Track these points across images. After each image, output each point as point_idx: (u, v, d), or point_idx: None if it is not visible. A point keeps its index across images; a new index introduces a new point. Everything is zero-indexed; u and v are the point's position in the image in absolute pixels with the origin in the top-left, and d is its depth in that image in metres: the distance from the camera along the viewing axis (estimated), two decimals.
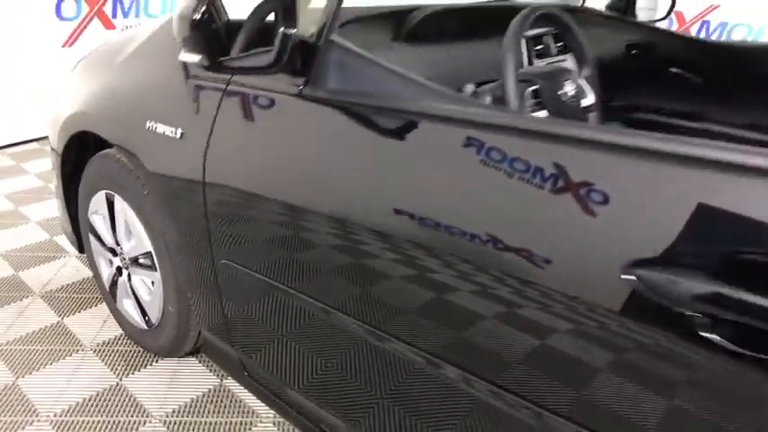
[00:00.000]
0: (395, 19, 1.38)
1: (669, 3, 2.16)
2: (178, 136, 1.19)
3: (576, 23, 1.95)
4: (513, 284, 0.73)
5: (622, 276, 0.62)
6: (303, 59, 0.95)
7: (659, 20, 2.20)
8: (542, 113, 1.10)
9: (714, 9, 4.31)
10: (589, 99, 1.24)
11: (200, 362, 1.65)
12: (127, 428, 1.42)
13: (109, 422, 1.43)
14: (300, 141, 1.01)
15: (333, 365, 1.10)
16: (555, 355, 0.72)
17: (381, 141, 0.92)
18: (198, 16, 0.81)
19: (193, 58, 0.87)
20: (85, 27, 3.46)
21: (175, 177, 1.23)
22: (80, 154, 1.64)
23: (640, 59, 1.98)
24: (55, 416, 1.45)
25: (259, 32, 1.04)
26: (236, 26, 1.07)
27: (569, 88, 1.13)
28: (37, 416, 1.44)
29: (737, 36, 4.26)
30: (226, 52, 0.94)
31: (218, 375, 1.59)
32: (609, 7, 2.15)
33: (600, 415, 0.69)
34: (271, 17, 0.97)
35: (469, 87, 1.12)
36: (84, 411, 1.46)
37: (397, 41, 1.35)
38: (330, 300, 1.01)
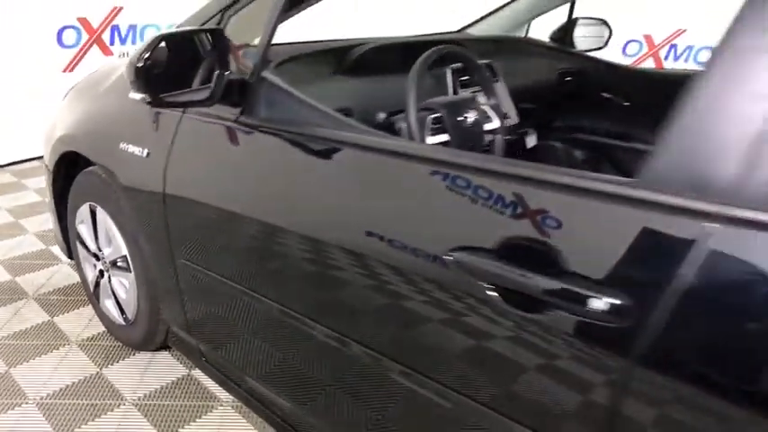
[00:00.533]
0: (338, 54, 1.61)
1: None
2: (145, 155, 1.41)
3: (518, 53, 2.18)
4: (393, 276, 0.94)
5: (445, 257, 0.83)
6: (239, 93, 1.18)
7: (598, 48, 2.43)
8: (444, 137, 1.32)
9: (681, 33, 4.55)
10: (493, 124, 1.45)
11: (171, 355, 1.85)
12: (104, 410, 1.62)
13: (89, 405, 1.64)
14: (238, 160, 1.23)
15: (281, 355, 1.30)
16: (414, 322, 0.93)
17: (297, 160, 1.14)
18: (141, 64, 1.03)
19: (139, 96, 1.09)
20: (85, 54, 3.73)
21: (143, 190, 1.45)
22: (69, 171, 1.87)
23: (574, 85, 2.20)
24: (41, 399, 1.65)
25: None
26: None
27: (470, 115, 1.35)
28: (25, 399, 1.65)
29: (703, 58, 4.48)
30: (174, 87, 1.17)
31: (186, 366, 1.80)
32: (551, 38, 2.38)
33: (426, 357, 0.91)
34: None
35: (381, 115, 1.35)
36: (67, 395, 1.67)
37: (338, 74, 1.57)
38: (271, 294, 1.21)
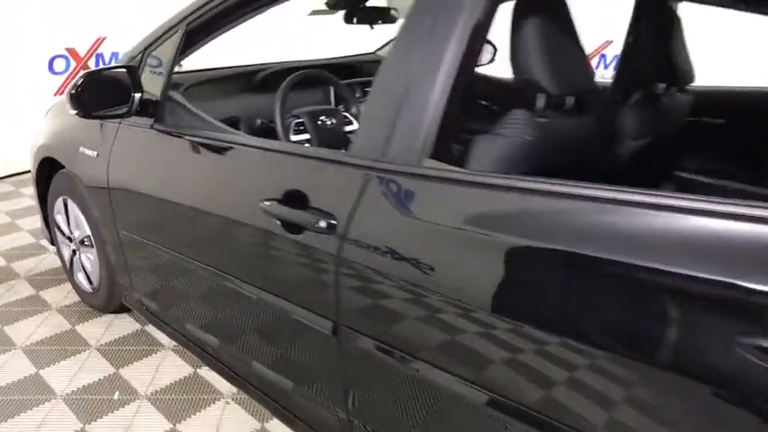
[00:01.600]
0: (245, 76, 2.12)
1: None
2: (95, 156, 1.92)
3: None
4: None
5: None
6: (152, 108, 1.68)
7: (487, 63, 2.92)
8: (306, 136, 1.81)
9: (610, 44, 5.04)
10: (353, 126, 1.96)
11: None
12: (72, 354, 2.12)
13: (57, 348, 2.14)
14: (153, 157, 1.74)
15: (203, 302, 1.77)
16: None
17: (191, 154, 1.63)
18: (73, 91, 1.54)
19: (74, 112, 1.60)
20: (73, 79, 4.28)
21: (95, 182, 1.95)
22: (48, 173, 2.37)
23: None
24: (26, 346, 2.15)
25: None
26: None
27: (330, 120, 1.84)
28: (13, 345, 2.15)
29: None
30: (112, 104, 1.67)
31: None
32: None
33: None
34: None
35: (258, 121, 1.84)
36: (45, 343, 2.17)
37: (245, 92, 2.08)
38: (188, 252, 1.68)
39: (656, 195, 0.81)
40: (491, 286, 0.94)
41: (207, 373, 2.01)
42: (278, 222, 1.26)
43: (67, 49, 4.19)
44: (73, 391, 1.93)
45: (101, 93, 1.61)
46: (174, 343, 2.15)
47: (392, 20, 2.19)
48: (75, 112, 1.58)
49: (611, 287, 0.83)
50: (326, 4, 1.99)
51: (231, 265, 1.51)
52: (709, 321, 0.73)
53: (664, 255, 0.77)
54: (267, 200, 1.28)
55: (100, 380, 1.99)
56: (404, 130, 1.09)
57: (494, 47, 2.96)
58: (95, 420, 1.79)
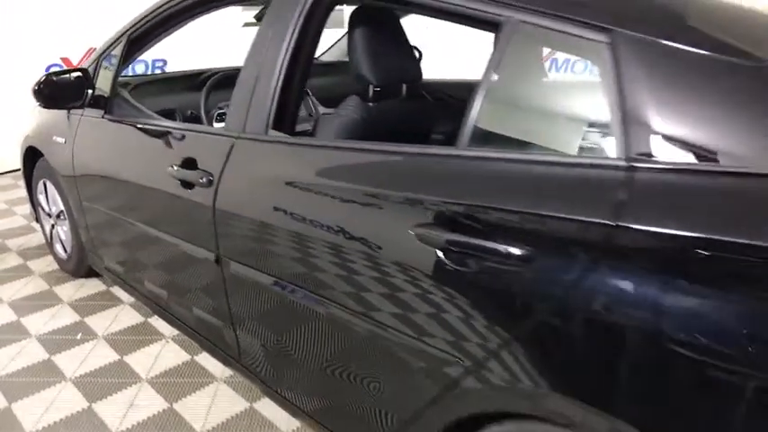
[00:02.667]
0: (188, 78, 2.56)
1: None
2: (63, 142, 2.37)
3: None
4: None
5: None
6: (104, 101, 2.12)
7: None
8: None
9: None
10: None
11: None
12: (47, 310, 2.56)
13: (37, 303, 2.58)
14: (104, 139, 2.17)
15: (148, 258, 2.18)
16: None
17: (132, 137, 2.05)
18: (36, 87, 1.98)
19: (37, 104, 2.04)
20: None
21: (63, 163, 2.40)
22: (33, 160, 2.83)
23: None
24: (12, 301, 2.60)
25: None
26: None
27: None
28: (1, 302, 2.60)
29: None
30: (73, 99, 2.11)
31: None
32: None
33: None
34: None
35: (188, 112, 2.28)
36: (28, 299, 2.62)
37: (186, 91, 2.52)
38: (135, 216, 2.11)
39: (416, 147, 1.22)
40: (313, 217, 1.35)
41: (156, 322, 2.45)
42: (178, 182, 1.68)
43: (62, 59, 4.68)
44: (45, 332, 2.37)
45: (60, 89, 2.06)
46: (132, 298, 2.59)
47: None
48: (38, 103, 2.03)
49: (395, 211, 1.19)
50: (255, 17, 2.42)
51: (154, 219, 1.94)
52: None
53: (410, 184, 1.18)
54: (172, 166, 1.71)
55: (68, 325, 2.43)
56: (256, 109, 1.52)
57: (419, 52, 3.39)
58: (59, 353, 2.23)
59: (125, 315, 2.52)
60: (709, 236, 0.79)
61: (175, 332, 2.37)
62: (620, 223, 0.87)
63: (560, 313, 0.92)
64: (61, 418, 1.88)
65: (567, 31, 1.01)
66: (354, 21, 1.61)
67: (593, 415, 0.89)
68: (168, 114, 2.21)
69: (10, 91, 4.44)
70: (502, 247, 0.98)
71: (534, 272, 0.95)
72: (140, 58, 5.02)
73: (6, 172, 4.64)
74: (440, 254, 1.06)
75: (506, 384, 1.00)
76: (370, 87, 1.61)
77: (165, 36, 2.09)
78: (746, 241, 0.77)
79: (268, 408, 1.90)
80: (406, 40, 1.74)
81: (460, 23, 1.32)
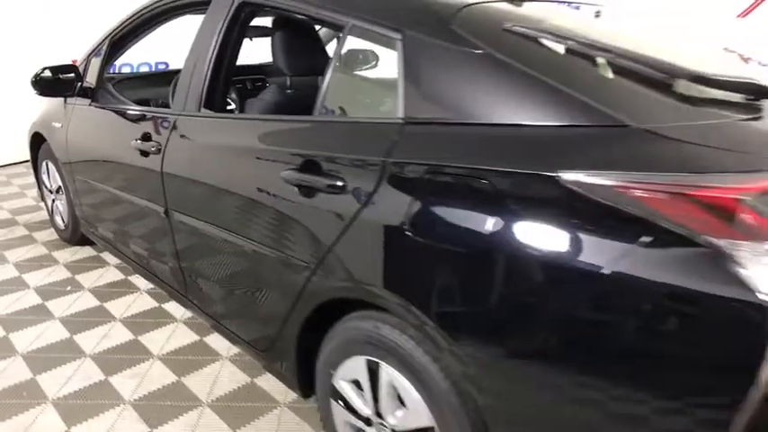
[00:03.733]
0: (167, 75, 3.03)
1: None
2: (60, 126, 2.84)
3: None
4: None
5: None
6: (92, 91, 2.59)
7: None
8: None
9: None
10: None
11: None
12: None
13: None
14: (91, 122, 2.64)
15: (125, 219, 2.64)
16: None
17: (113, 120, 2.52)
18: (33, 79, 2.45)
19: (35, 92, 2.51)
20: None
21: (60, 143, 2.88)
22: (39, 143, 3.32)
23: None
24: (13, 260, 3.08)
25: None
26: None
27: None
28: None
29: None
30: (65, 89, 2.59)
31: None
32: None
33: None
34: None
35: (160, 101, 2.75)
36: (27, 267, 3.10)
37: (165, 85, 2.97)
38: (110, 184, 2.57)
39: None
40: (226, 171, 1.78)
41: (135, 279, 2.90)
42: (138, 152, 2.13)
43: (72, 60, 5.21)
44: (41, 285, 2.85)
45: (53, 81, 2.54)
46: (117, 260, 3.05)
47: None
48: (35, 92, 2.51)
49: (275, 162, 1.61)
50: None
51: (123, 185, 2.40)
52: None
53: (284, 142, 1.62)
54: (135, 139, 2.16)
55: (60, 280, 2.90)
56: (192, 93, 1.96)
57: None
58: (51, 299, 2.70)
59: (109, 274, 2.98)
60: (449, 164, 1.20)
61: (149, 285, 2.82)
62: (394, 159, 1.29)
63: (367, 225, 1.34)
64: (46, 345, 2.34)
65: (379, 32, 1.43)
66: (274, 26, 2.05)
67: (396, 298, 1.29)
68: (144, 103, 2.67)
69: (26, 89, 4.98)
70: (331, 181, 1.40)
71: (349, 196, 1.37)
72: (144, 60, 5.66)
73: (22, 162, 5.19)
74: (295, 189, 1.49)
75: (345, 280, 1.41)
76: (287, 78, 2.04)
77: (139, 39, 2.56)
78: (474, 166, 1.17)
79: (266, 381, 2.12)
80: (318, 41, 2.18)
81: (322, 26, 1.74)
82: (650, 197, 0.95)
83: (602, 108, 1.08)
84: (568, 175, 1.02)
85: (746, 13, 4.31)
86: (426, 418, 1.31)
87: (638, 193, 0.96)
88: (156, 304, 2.67)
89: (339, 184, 1.38)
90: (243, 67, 3.20)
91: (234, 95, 2.94)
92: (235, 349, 2.30)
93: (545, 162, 1.06)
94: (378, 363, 1.39)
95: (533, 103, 1.17)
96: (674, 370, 0.97)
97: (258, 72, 3.32)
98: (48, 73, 2.52)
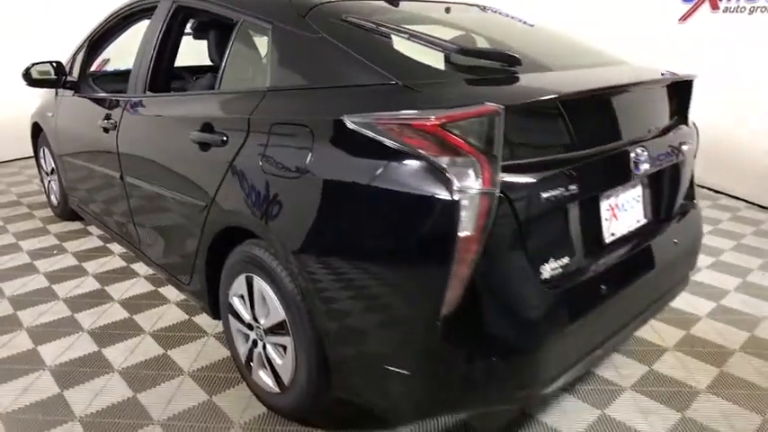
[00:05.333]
0: None
1: None
2: (51, 115, 3.35)
3: None
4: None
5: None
6: (75, 83, 3.09)
7: None
8: None
9: None
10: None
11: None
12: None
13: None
14: (73, 110, 3.13)
15: (102, 193, 3.12)
16: None
17: (89, 106, 3.00)
18: (24, 72, 2.95)
19: (26, 83, 3.01)
20: None
21: (52, 131, 3.38)
22: (38, 133, 3.84)
23: None
24: (18, 233, 3.59)
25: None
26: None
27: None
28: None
29: None
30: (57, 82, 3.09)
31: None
32: None
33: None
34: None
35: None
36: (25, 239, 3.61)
37: None
38: (84, 158, 3.04)
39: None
40: (156, 137, 2.25)
41: (112, 246, 3.37)
42: (102, 128, 2.61)
43: None
44: (32, 249, 3.35)
45: (40, 74, 3.04)
46: (99, 231, 3.53)
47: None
48: (25, 83, 3.01)
49: (188, 126, 2.10)
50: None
51: (92, 159, 2.89)
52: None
53: (194, 110, 2.07)
54: (101, 119, 2.63)
55: (49, 246, 3.41)
56: (140, 79, 2.42)
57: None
58: (38, 260, 3.18)
59: (90, 242, 3.47)
60: (284, 117, 1.62)
61: (122, 250, 3.29)
62: (254, 116, 1.72)
63: (238, 168, 1.76)
64: (30, 290, 2.83)
65: (259, 24, 1.87)
66: (206, 28, 2.50)
67: (258, 223, 1.70)
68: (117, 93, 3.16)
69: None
70: (219, 137, 1.83)
71: (229, 147, 1.80)
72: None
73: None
74: (197, 146, 1.92)
75: (226, 213, 1.84)
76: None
77: (114, 39, 3.06)
78: (299, 117, 1.58)
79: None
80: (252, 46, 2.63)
81: (225, 22, 2.15)
82: (392, 128, 1.35)
83: (383, 72, 1.50)
84: (348, 118, 1.43)
85: (686, 18, 4.63)
86: (282, 313, 1.72)
87: (385, 126, 1.36)
88: (125, 264, 3.14)
89: (224, 138, 1.82)
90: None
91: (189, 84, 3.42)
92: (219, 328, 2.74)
93: (339, 110, 1.47)
94: (252, 277, 1.81)
95: (342, 69, 1.59)
96: (411, 255, 1.36)
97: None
98: (36, 67, 3.03)
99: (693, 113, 2.10)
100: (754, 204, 4.30)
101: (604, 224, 1.65)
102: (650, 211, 1.86)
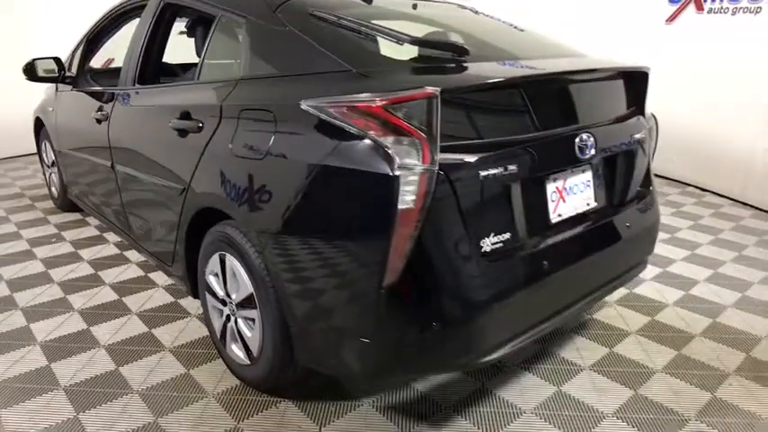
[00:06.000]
0: None
1: None
2: (52, 110, 3.51)
3: None
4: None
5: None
6: (72, 80, 3.24)
7: None
8: None
9: None
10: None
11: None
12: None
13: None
14: (71, 105, 3.28)
15: (96, 184, 3.27)
16: None
17: (85, 99, 3.14)
18: (25, 67, 3.10)
19: (25, 77, 3.17)
20: None
21: (51, 124, 3.54)
22: (41, 128, 4.00)
23: None
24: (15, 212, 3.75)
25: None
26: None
27: None
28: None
29: None
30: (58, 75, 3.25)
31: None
32: None
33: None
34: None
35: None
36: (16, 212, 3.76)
37: None
38: (79, 150, 3.20)
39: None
40: (143, 126, 2.38)
41: (108, 235, 3.52)
42: (96, 120, 2.75)
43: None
44: (32, 237, 3.51)
45: (40, 69, 3.19)
46: (96, 221, 3.68)
47: None
48: (25, 77, 3.17)
49: (168, 114, 2.23)
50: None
51: (86, 149, 3.04)
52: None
53: (175, 99, 2.21)
54: (94, 111, 2.77)
55: (48, 234, 3.56)
56: (130, 72, 2.56)
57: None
58: (37, 247, 3.33)
59: (87, 231, 3.62)
60: (250, 103, 1.74)
61: (117, 239, 3.43)
62: (226, 103, 1.84)
63: (210, 152, 1.89)
64: (27, 274, 2.97)
65: (235, 19, 2.00)
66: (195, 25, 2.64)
67: (229, 204, 1.83)
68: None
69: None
70: (195, 123, 1.96)
71: (204, 133, 1.92)
72: None
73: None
74: (176, 132, 2.05)
75: (201, 195, 1.96)
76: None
77: (109, 37, 3.20)
78: (263, 103, 1.70)
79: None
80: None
81: (205, 18, 2.27)
82: (341, 111, 1.47)
83: (340, 61, 1.61)
84: (304, 102, 1.55)
85: (673, 18, 4.71)
86: (250, 288, 1.83)
87: (335, 108, 1.48)
88: (119, 251, 3.28)
89: (200, 125, 1.94)
90: None
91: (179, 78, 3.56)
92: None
93: (297, 96, 1.59)
94: (225, 255, 1.93)
95: (305, 59, 1.71)
96: (358, 228, 1.47)
97: None
98: (36, 63, 3.19)
99: (685, 110, 2.18)
100: (738, 202, 4.37)
101: (551, 205, 1.75)
102: (602, 196, 1.96)
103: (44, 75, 3.20)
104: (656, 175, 5.15)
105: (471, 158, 1.48)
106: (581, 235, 1.83)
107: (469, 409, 1.94)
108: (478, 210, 1.51)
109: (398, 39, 1.67)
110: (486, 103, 1.59)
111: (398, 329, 1.50)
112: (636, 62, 2.10)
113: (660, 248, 3.37)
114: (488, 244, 1.53)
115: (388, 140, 1.40)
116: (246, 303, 1.87)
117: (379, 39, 1.73)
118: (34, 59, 3.17)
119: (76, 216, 3.90)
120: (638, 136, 2.06)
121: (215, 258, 2.00)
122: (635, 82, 2.13)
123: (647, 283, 2.91)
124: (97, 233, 3.58)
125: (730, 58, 4.26)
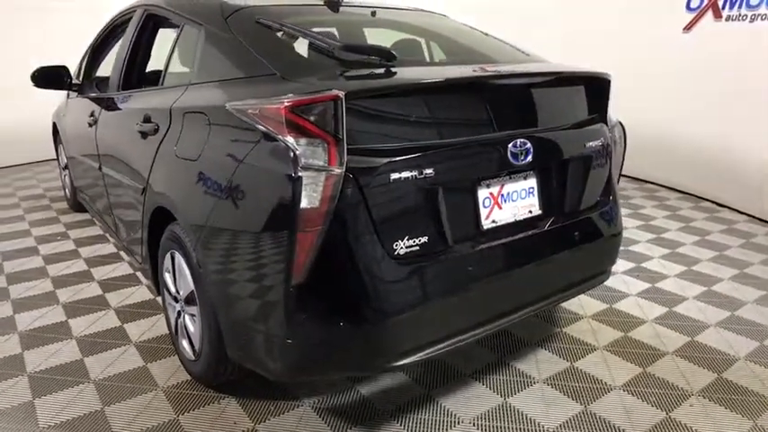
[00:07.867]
0: None
1: None
2: (63, 116, 3.72)
3: None
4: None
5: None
6: (78, 87, 3.43)
7: None
8: None
9: None
10: None
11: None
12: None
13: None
14: (77, 110, 3.46)
15: (97, 187, 3.44)
16: None
17: (87, 104, 3.30)
18: (33, 74, 3.31)
19: (33, 83, 3.37)
20: None
21: (63, 130, 3.75)
22: (56, 131, 4.24)
23: None
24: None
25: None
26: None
27: None
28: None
29: None
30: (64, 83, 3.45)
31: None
32: None
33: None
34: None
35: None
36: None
37: None
38: (79, 153, 3.37)
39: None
40: (122, 129, 2.49)
41: (111, 238, 3.68)
42: (88, 124, 2.90)
43: None
44: (41, 235, 3.71)
45: (47, 76, 3.39)
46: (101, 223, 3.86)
47: None
48: (33, 84, 3.37)
49: (136, 116, 2.34)
50: None
51: (83, 152, 3.19)
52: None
53: (143, 102, 2.31)
54: (88, 116, 2.93)
55: (55, 233, 3.76)
56: (115, 79, 2.69)
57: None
58: (42, 244, 3.52)
59: (91, 231, 3.80)
60: (192, 106, 1.80)
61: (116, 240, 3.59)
62: (173, 107, 1.91)
63: (161, 153, 1.96)
64: (25, 269, 3.15)
65: (194, 27, 2.08)
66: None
67: (173, 203, 1.90)
68: None
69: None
70: (152, 126, 2.05)
71: (158, 135, 2.00)
72: None
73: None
74: (139, 135, 2.15)
75: (154, 194, 2.04)
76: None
77: (112, 45, 3.37)
78: (203, 106, 1.76)
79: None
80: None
81: (176, 27, 2.37)
82: (256, 113, 1.51)
83: (269, 65, 1.66)
84: (230, 105, 1.60)
85: (691, 27, 4.54)
86: (191, 284, 1.89)
87: (251, 110, 1.52)
88: (115, 250, 3.43)
89: (156, 127, 2.03)
90: None
91: None
92: None
93: (227, 99, 1.64)
94: (174, 252, 2.00)
95: (242, 64, 1.76)
96: (267, 227, 1.50)
97: None
98: (43, 70, 3.40)
99: (700, 120, 2.10)
100: (755, 218, 4.15)
101: (483, 211, 1.72)
102: (549, 204, 1.91)
103: (51, 81, 3.40)
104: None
105: (383, 161, 1.48)
106: (520, 243, 1.80)
107: (407, 416, 1.92)
108: (391, 212, 1.51)
109: (330, 44, 1.70)
110: (404, 107, 1.59)
111: (308, 328, 1.51)
112: (595, 68, 2.05)
113: (654, 264, 3.24)
114: (402, 247, 1.53)
115: (295, 142, 1.43)
116: (191, 300, 1.93)
117: (314, 44, 1.76)
118: (42, 67, 3.38)
119: (85, 216, 4.10)
120: (594, 144, 2.01)
121: (168, 257, 2.07)
122: (595, 89, 2.07)
123: (631, 299, 2.80)
124: (99, 233, 3.76)
125: (749, 66, 4.08)
